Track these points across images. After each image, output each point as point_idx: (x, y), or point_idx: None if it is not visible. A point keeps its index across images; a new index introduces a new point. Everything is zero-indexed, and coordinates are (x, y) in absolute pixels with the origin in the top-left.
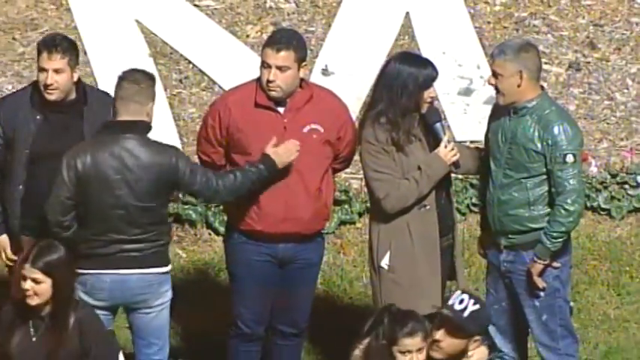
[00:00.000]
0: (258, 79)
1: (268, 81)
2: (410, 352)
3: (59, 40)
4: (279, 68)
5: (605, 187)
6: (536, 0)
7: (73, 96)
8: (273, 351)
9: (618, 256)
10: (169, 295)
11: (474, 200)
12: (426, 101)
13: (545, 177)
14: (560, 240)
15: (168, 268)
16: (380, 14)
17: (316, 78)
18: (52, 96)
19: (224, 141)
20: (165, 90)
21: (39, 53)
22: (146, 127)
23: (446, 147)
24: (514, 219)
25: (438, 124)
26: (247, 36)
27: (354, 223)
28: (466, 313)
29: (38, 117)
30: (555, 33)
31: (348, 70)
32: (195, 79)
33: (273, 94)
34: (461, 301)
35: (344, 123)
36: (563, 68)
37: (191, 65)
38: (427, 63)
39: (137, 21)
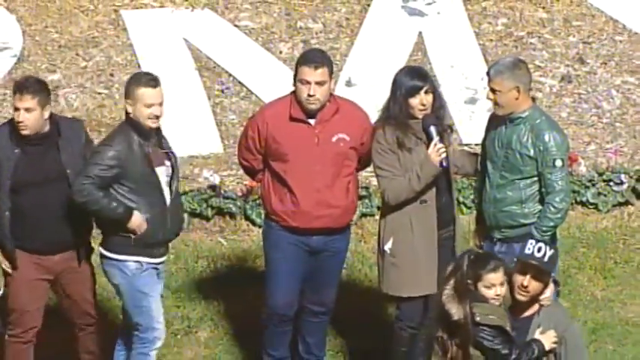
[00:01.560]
0: (292, 94)
1: (309, 95)
2: (494, 285)
3: (30, 82)
4: (318, 83)
5: (593, 184)
6: (533, 21)
7: (46, 129)
8: (302, 327)
9: (604, 245)
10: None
11: None
12: (417, 107)
13: (536, 178)
14: (549, 233)
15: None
16: (396, 33)
17: (341, 89)
18: (25, 131)
19: (262, 150)
20: (209, 99)
21: (13, 94)
22: None
23: (433, 147)
24: (508, 215)
25: (432, 128)
26: (280, 52)
27: (373, 215)
28: (546, 259)
29: (16, 150)
30: (549, 50)
31: (368, 82)
32: (235, 90)
33: (312, 107)
34: (539, 249)
35: (365, 130)
36: (556, 80)
37: (231, 77)
38: (416, 74)
39: (184, 39)
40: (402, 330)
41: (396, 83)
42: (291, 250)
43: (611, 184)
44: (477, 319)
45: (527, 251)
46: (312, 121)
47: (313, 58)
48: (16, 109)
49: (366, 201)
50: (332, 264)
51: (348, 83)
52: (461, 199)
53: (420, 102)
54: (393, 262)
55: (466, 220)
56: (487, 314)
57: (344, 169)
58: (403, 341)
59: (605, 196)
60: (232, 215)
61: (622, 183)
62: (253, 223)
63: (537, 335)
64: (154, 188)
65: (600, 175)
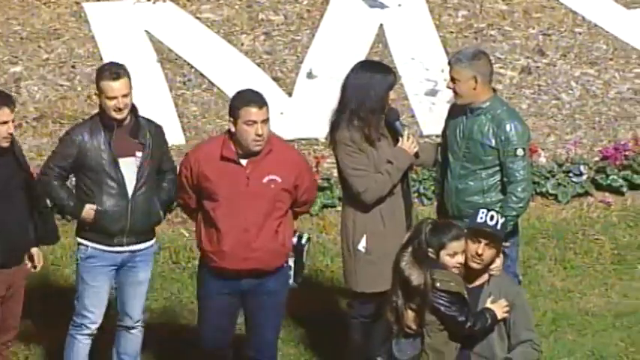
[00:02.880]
0: (226, 134)
1: (258, 135)
2: (457, 253)
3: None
4: (264, 122)
5: (553, 175)
6: (493, 13)
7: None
8: None
9: (564, 235)
10: None
11: None
12: (388, 102)
13: (498, 168)
14: (512, 223)
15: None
16: (357, 25)
17: (302, 81)
18: (5, 143)
19: (195, 188)
20: (171, 91)
21: None
22: None
23: (407, 140)
24: (470, 205)
25: (397, 122)
26: (242, 44)
27: (334, 206)
28: (499, 226)
29: None
30: (509, 41)
31: (329, 73)
32: (197, 82)
33: (259, 147)
34: (492, 217)
35: (300, 173)
36: (516, 72)
37: (193, 69)
38: (390, 69)
39: (146, 31)
40: (357, 319)
41: (371, 79)
42: (220, 297)
43: (571, 175)
44: (437, 284)
45: (479, 220)
46: (243, 161)
47: (255, 97)
48: (4, 123)
49: (328, 192)
50: (268, 305)
51: (309, 75)
52: (422, 191)
53: (391, 96)
54: (370, 259)
55: (427, 212)
56: (447, 281)
57: (275, 211)
58: (360, 331)
59: (564, 187)
60: None
61: (581, 174)
62: None
63: (489, 304)
64: (114, 179)
65: (560, 166)
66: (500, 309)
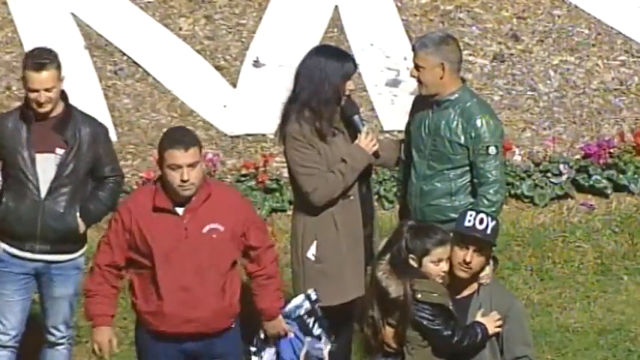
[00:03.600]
0: (157, 182)
1: (183, 181)
2: (441, 260)
3: None
4: (191, 166)
5: (529, 176)
6: None
7: None
8: None
9: (541, 243)
10: None
11: None
12: (344, 93)
13: (467, 168)
14: None
15: None
16: (310, 7)
17: (248, 70)
18: None
19: (126, 244)
20: (101, 81)
21: None
22: None
23: (366, 137)
24: (436, 209)
25: (356, 117)
26: (180, 28)
27: (284, 210)
28: (489, 231)
29: None
30: (480, 25)
31: (278, 61)
32: (129, 71)
33: (187, 193)
34: (481, 221)
35: (246, 219)
36: (488, 60)
37: (125, 57)
38: (348, 56)
39: (72, 14)
40: None
41: (325, 66)
42: None
43: (549, 175)
44: (419, 296)
45: (467, 223)
46: (179, 210)
47: (182, 138)
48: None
49: (277, 194)
50: None
51: (256, 64)
52: (382, 193)
53: (349, 87)
54: (320, 268)
55: (388, 217)
56: (430, 292)
57: (219, 265)
58: None
59: (542, 188)
60: None
61: (561, 174)
62: None
63: (479, 318)
64: (27, 176)
65: (537, 165)
66: (492, 322)
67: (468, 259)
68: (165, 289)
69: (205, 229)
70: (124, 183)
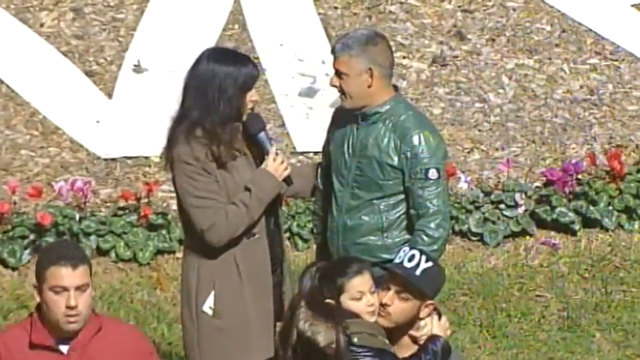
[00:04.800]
0: (34, 314)
1: (70, 308)
2: (363, 293)
3: None
4: (80, 289)
5: (477, 208)
6: None
7: None
8: None
9: (493, 291)
10: None
11: None
12: (246, 107)
13: (402, 197)
14: None
15: None
16: (204, 0)
17: (126, 77)
18: None
19: None
20: None
21: None
22: None
23: (274, 160)
24: (364, 248)
25: (262, 134)
26: (42, 25)
27: (173, 252)
28: (418, 271)
29: None
30: (416, 21)
31: (166, 66)
32: None
33: (74, 326)
34: (411, 258)
35: (144, 355)
36: (426, 63)
37: None
38: (246, 60)
39: None
40: None
41: (218, 75)
42: None
43: (502, 207)
44: (355, 340)
45: (396, 259)
46: (63, 348)
47: (67, 253)
48: None
49: (163, 232)
50: None
51: (137, 69)
52: (295, 230)
53: (252, 98)
54: (218, 325)
55: (302, 259)
56: (369, 333)
57: None
58: None
59: (493, 223)
60: None
61: (517, 206)
62: (4, 265)
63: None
64: None
65: (487, 195)
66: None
67: (385, 301)
68: None
69: None
70: None
